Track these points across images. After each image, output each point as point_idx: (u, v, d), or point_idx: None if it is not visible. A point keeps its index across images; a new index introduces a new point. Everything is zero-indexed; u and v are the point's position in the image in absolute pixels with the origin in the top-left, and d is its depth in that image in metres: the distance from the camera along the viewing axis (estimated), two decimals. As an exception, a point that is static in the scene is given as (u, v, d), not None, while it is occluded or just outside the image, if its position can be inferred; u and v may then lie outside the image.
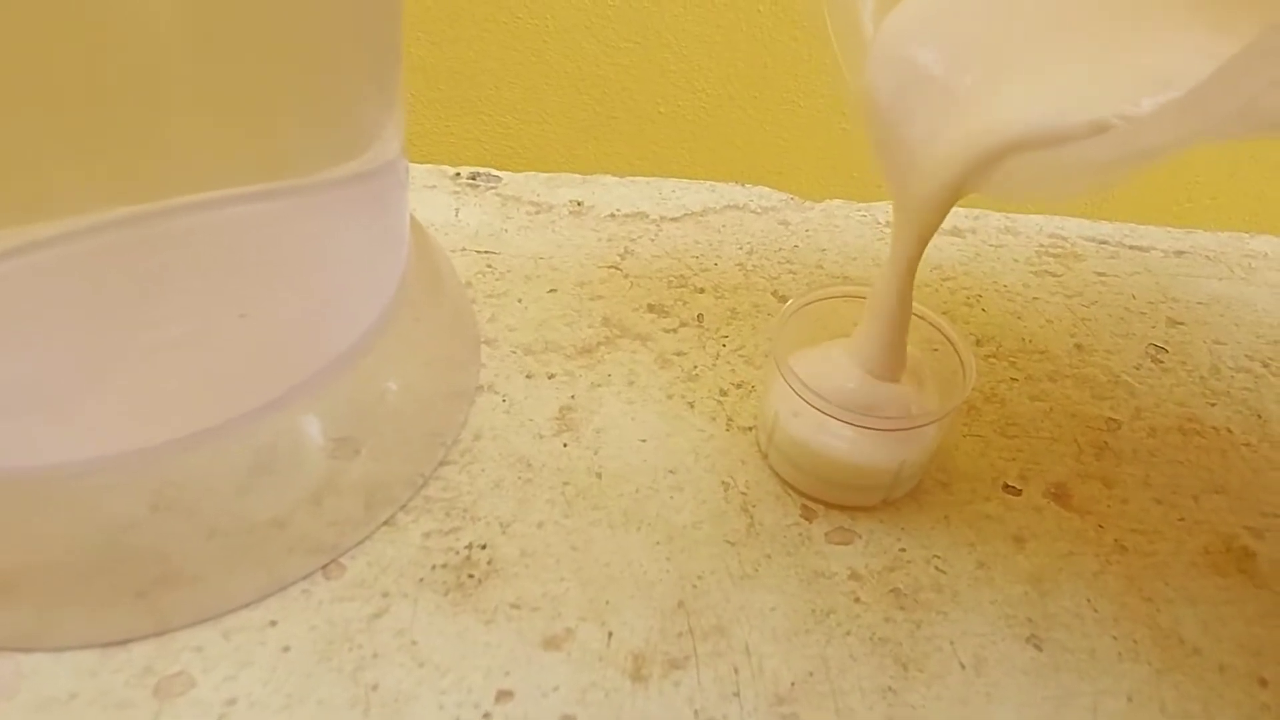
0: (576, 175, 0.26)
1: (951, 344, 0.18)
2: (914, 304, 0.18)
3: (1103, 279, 0.24)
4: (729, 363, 0.20)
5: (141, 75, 0.12)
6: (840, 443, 0.16)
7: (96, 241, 0.13)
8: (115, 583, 0.15)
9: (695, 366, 0.20)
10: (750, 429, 0.19)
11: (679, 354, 0.20)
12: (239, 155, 0.14)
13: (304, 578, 0.16)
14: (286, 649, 0.15)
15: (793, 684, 0.15)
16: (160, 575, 0.15)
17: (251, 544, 0.16)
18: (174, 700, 0.14)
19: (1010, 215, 0.26)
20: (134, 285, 0.14)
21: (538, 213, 0.24)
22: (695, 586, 0.16)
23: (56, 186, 0.13)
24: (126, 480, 0.15)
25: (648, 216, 0.25)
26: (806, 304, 0.18)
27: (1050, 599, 0.16)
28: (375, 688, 0.14)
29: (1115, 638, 0.16)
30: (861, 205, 0.26)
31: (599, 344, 0.21)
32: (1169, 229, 0.26)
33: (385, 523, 0.16)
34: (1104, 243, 0.26)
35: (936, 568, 0.17)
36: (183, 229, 0.14)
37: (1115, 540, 0.17)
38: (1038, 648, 0.16)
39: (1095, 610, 0.16)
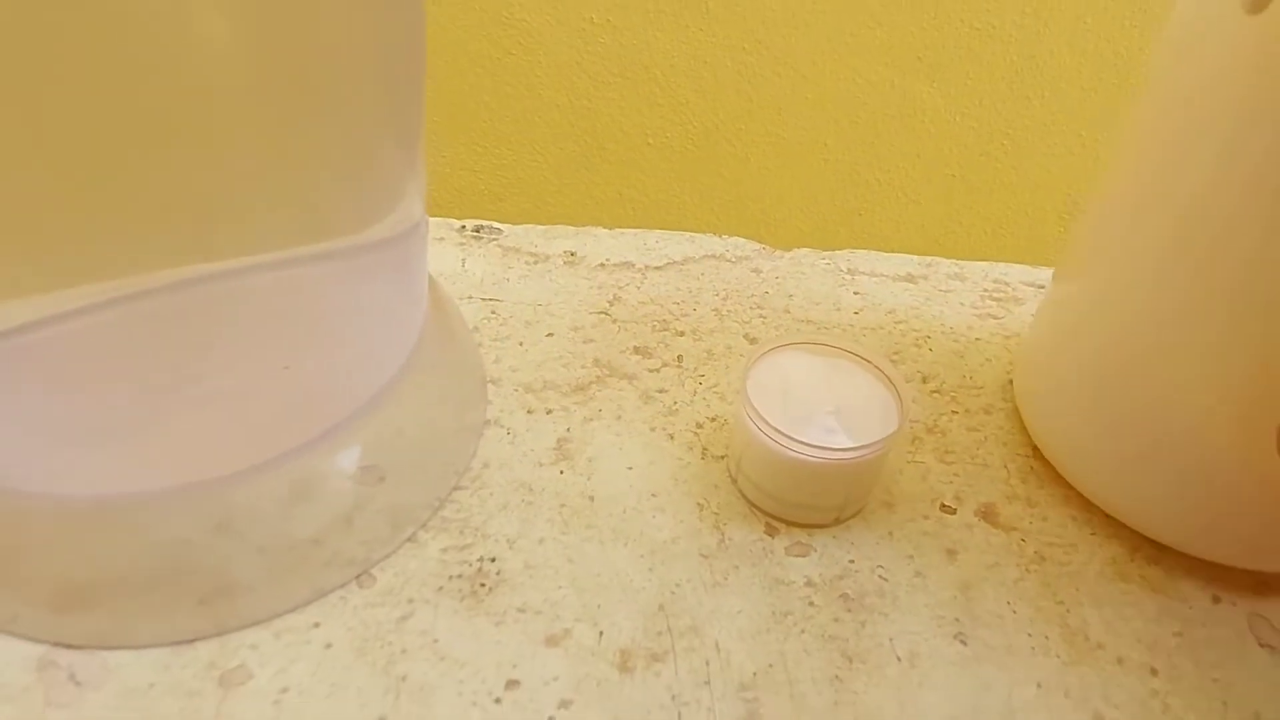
0: (570, 227, 0.29)
1: (891, 384, 0.20)
2: (861, 348, 0.21)
3: None
4: (705, 399, 0.23)
5: (198, 150, 0.14)
6: (798, 470, 0.19)
7: (156, 302, 0.16)
8: (179, 592, 0.18)
9: (675, 402, 0.23)
10: (722, 458, 0.22)
11: (661, 391, 0.23)
12: (282, 221, 0.16)
13: (340, 587, 0.18)
14: (328, 646, 0.17)
15: (755, 674, 0.17)
16: (217, 586, 0.18)
17: (294, 559, 0.19)
18: (235, 689, 0.17)
19: (959, 262, 0.29)
20: (189, 341, 0.16)
21: (535, 263, 0.27)
22: (673, 593, 0.19)
23: (119, 251, 0.15)
24: (187, 507, 0.18)
25: (634, 266, 0.28)
26: (771, 349, 0.21)
27: (976, 602, 0.19)
28: (404, 678, 0.17)
29: (1030, 635, 0.19)
30: (826, 253, 0.29)
31: (591, 382, 0.23)
32: None
33: (408, 540, 0.19)
34: (1041, 287, 0.29)
35: (880, 576, 0.19)
36: (233, 291, 0.16)
37: (1035, 551, 0.20)
38: (964, 643, 0.18)
39: (1014, 611, 0.19)
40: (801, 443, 0.19)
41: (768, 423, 0.19)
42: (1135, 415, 0.20)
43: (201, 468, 0.18)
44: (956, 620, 0.19)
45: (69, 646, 0.17)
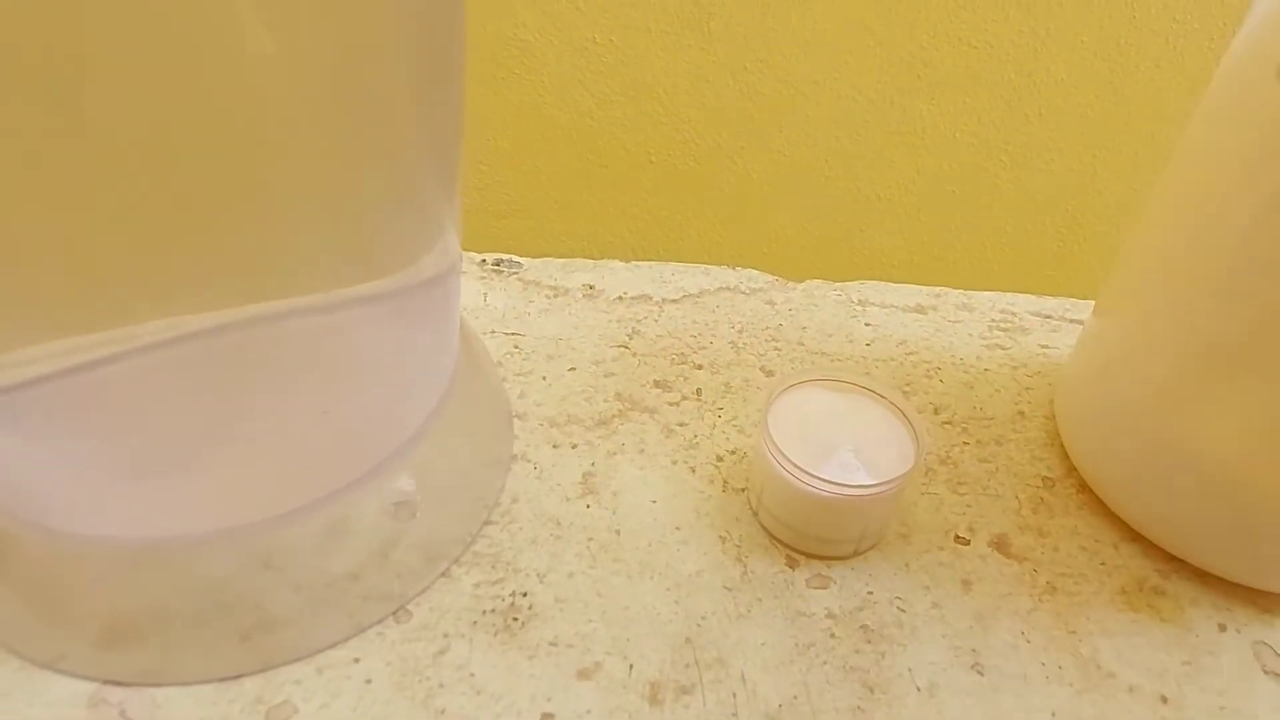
0: (588, 260, 0.29)
1: (907, 420, 0.21)
2: (877, 383, 0.22)
3: (1045, 350, 0.28)
4: (724, 432, 0.24)
5: (250, 190, 0.14)
6: (818, 504, 0.20)
7: (201, 345, 0.16)
8: (223, 629, 0.18)
9: (695, 436, 0.24)
10: (743, 490, 0.22)
11: (681, 424, 0.24)
12: (331, 261, 0.17)
13: (378, 622, 0.19)
14: (369, 681, 0.18)
15: (780, 705, 0.18)
16: (259, 622, 0.19)
17: (332, 595, 0.19)
18: None
19: (967, 293, 0.30)
20: (233, 385, 0.17)
21: (555, 296, 0.28)
22: (699, 625, 0.19)
23: (168, 292, 0.15)
24: (230, 547, 0.19)
25: (651, 299, 0.28)
26: (790, 386, 0.22)
27: (991, 633, 0.20)
28: (442, 712, 0.18)
29: (1044, 664, 0.19)
30: (837, 285, 0.30)
31: (613, 416, 0.24)
32: None
33: (442, 574, 0.20)
34: (1048, 317, 0.29)
35: (898, 608, 0.20)
36: (278, 335, 0.17)
37: (1047, 582, 0.21)
38: (980, 673, 0.19)
39: (1028, 641, 0.20)
40: (821, 479, 0.19)
41: (789, 459, 0.20)
42: (1171, 444, 0.20)
43: (244, 511, 0.18)
44: (973, 651, 0.19)
45: (118, 684, 0.18)
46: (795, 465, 0.20)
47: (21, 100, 0.12)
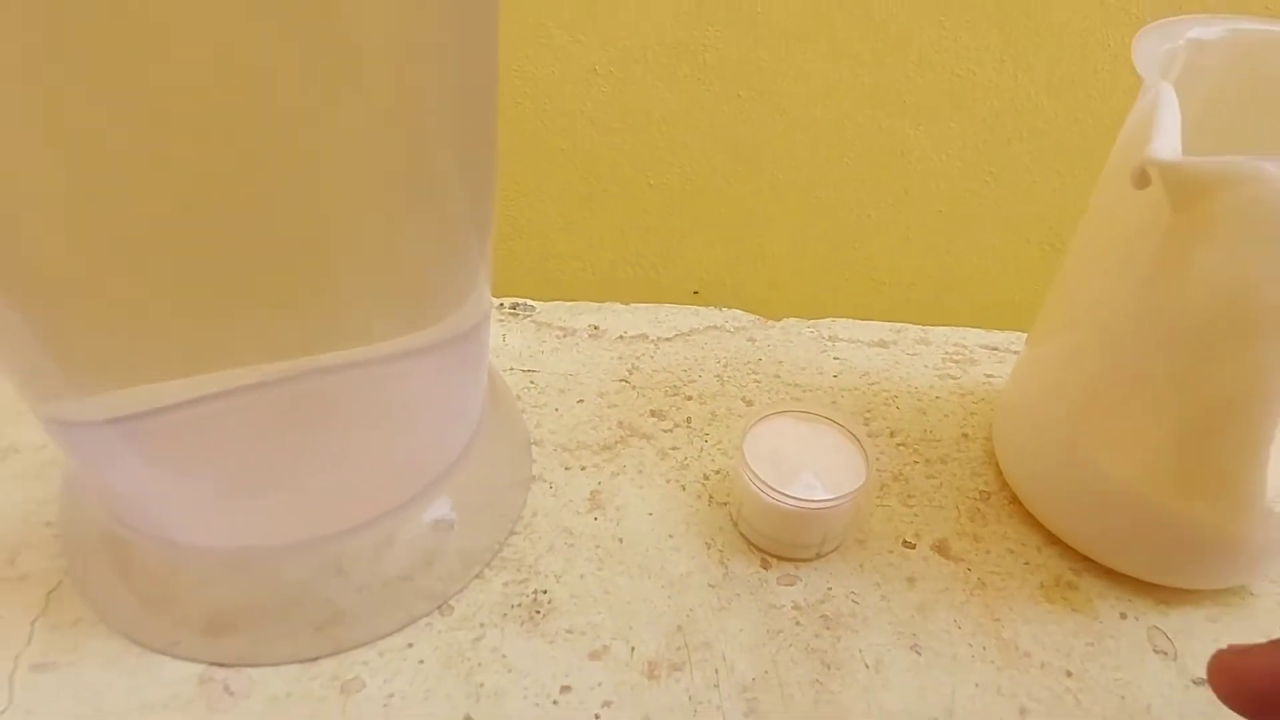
0: (593, 304, 0.34)
1: (860, 445, 0.25)
2: (836, 412, 0.26)
3: (989, 379, 0.32)
4: (710, 455, 0.28)
5: (315, 252, 0.17)
6: (786, 516, 0.24)
7: (274, 392, 0.20)
8: (302, 621, 0.23)
9: (686, 458, 0.28)
10: (724, 504, 0.27)
11: (674, 449, 0.28)
12: (383, 315, 0.20)
13: (426, 615, 0.23)
14: (421, 662, 0.22)
15: (754, 679, 0.22)
16: (330, 615, 0.23)
17: (388, 593, 0.23)
18: (354, 696, 0.21)
19: (925, 328, 0.34)
20: (300, 426, 0.21)
21: (565, 336, 0.32)
22: (689, 616, 0.24)
23: (243, 344, 0.19)
24: (306, 555, 0.23)
25: (648, 338, 0.33)
26: (763, 417, 0.26)
27: (930, 620, 0.24)
28: (481, 685, 0.22)
29: (971, 645, 0.24)
30: (810, 322, 0.34)
31: (616, 442, 0.28)
32: None
33: (476, 576, 0.24)
34: (995, 349, 0.34)
35: (853, 600, 0.24)
36: (336, 384, 0.21)
37: (979, 579, 0.25)
38: (918, 653, 0.23)
39: (959, 627, 0.24)
40: (788, 495, 0.24)
41: (761, 479, 0.24)
42: (1083, 463, 0.25)
43: (317, 526, 0.23)
44: (914, 635, 0.24)
45: (221, 665, 0.22)
46: (766, 484, 0.24)
47: (142, 191, 0.15)
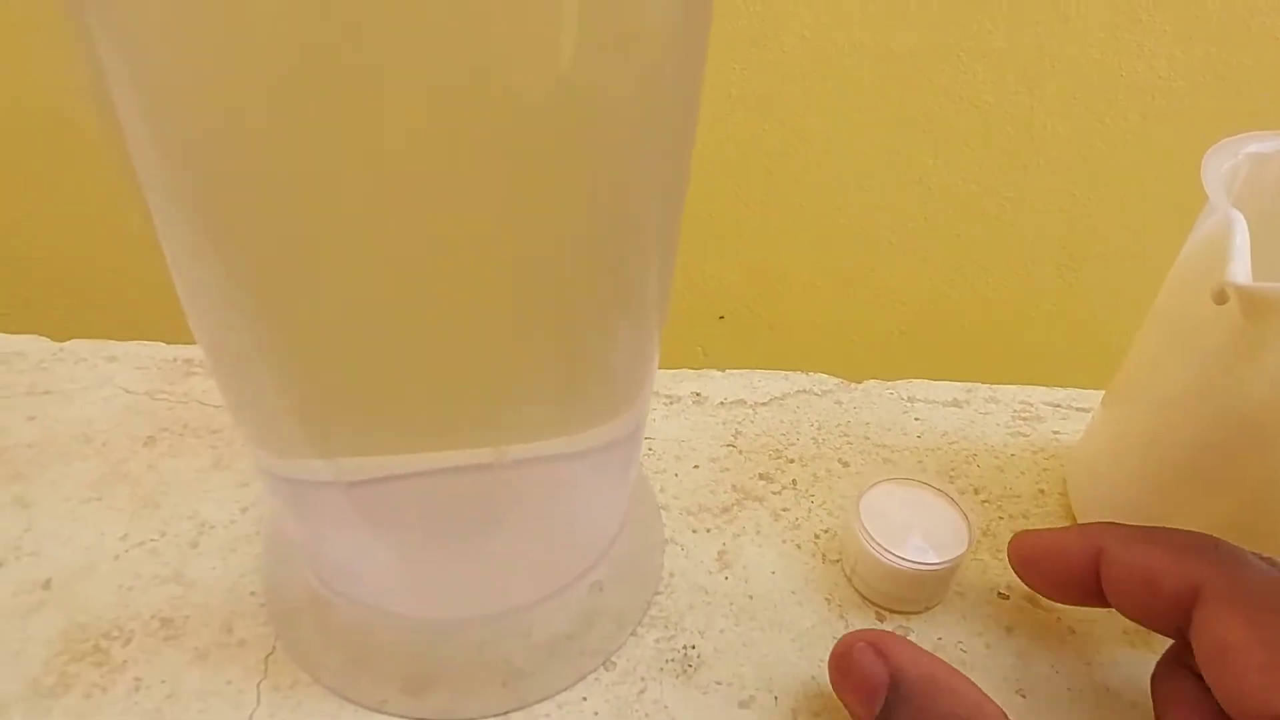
0: (691, 371, 0.37)
1: (960, 509, 0.29)
2: (935, 478, 0.29)
3: (1057, 436, 0.36)
4: (817, 515, 0.32)
5: (505, 345, 0.19)
6: (900, 576, 0.27)
7: (458, 479, 0.24)
8: (489, 678, 0.26)
9: (796, 519, 0.31)
10: (837, 561, 0.30)
11: (785, 510, 0.32)
12: (563, 412, 0.24)
13: (593, 671, 0.27)
14: (596, 714, 0.26)
15: (884, 723, 0.26)
16: (512, 673, 0.26)
17: (559, 652, 0.27)
18: None
19: (993, 387, 0.38)
20: (479, 514, 0.24)
21: (672, 403, 0.36)
22: (820, 665, 0.27)
23: (470, 429, 0.22)
24: (491, 623, 0.26)
25: (746, 403, 0.36)
26: (872, 485, 0.29)
27: (1030, 666, 0.27)
28: None
29: (1069, 689, 0.27)
30: (889, 384, 0.38)
31: (732, 505, 0.32)
32: (1101, 391, 0.38)
33: (631, 634, 0.28)
34: (1057, 406, 0.37)
35: (961, 649, 0.28)
36: (514, 479, 0.24)
37: (1069, 627, 0.29)
38: (1024, 697, 0.27)
39: (1056, 672, 0.27)
40: (904, 558, 0.27)
41: (879, 543, 0.27)
42: (1157, 520, 0.28)
43: (502, 601, 0.26)
44: (1018, 680, 0.27)
45: None
46: (884, 548, 0.27)
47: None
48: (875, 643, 0.23)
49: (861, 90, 0.86)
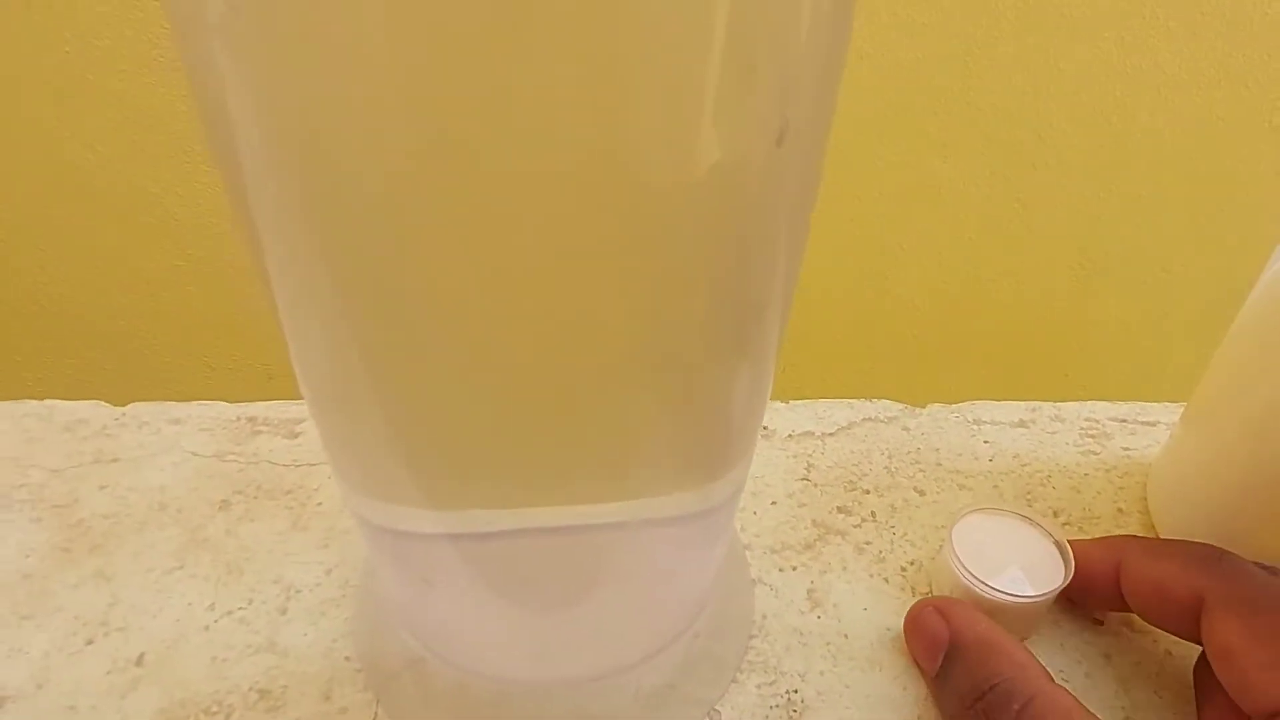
0: (755, 403, 0.37)
1: (1051, 535, 0.29)
2: (1021, 505, 0.29)
3: (1128, 453, 0.36)
4: (901, 547, 0.31)
5: (623, 417, 0.19)
6: (997, 608, 0.27)
7: (552, 540, 0.23)
8: None
9: (880, 552, 0.31)
10: (926, 593, 0.30)
11: (868, 543, 0.32)
12: (671, 473, 0.24)
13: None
14: None
15: (997, 760, 0.25)
16: None
17: (661, 701, 0.27)
18: None
19: (1057, 405, 0.38)
20: (576, 576, 0.24)
21: (740, 438, 0.35)
22: (925, 702, 0.27)
23: (550, 486, 0.22)
24: (593, 683, 0.26)
25: (814, 434, 0.36)
26: (961, 517, 0.29)
27: (1131, 691, 0.27)
28: None
29: (1175, 713, 0.27)
30: (954, 407, 0.37)
31: (815, 541, 0.32)
32: (1166, 405, 0.38)
33: (732, 681, 0.27)
34: (1124, 421, 0.37)
35: (1063, 679, 0.28)
36: (614, 541, 0.24)
37: (1165, 649, 0.28)
38: None
39: (1159, 696, 0.27)
40: (1001, 591, 0.27)
41: (976, 577, 0.27)
42: (1244, 537, 0.28)
43: (606, 662, 0.26)
44: (1122, 708, 0.27)
45: (534, 780, 0.25)
46: (980, 581, 0.27)
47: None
48: (940, 607, 0.27)
49: (870, 97, 0.86)
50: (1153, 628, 0.29)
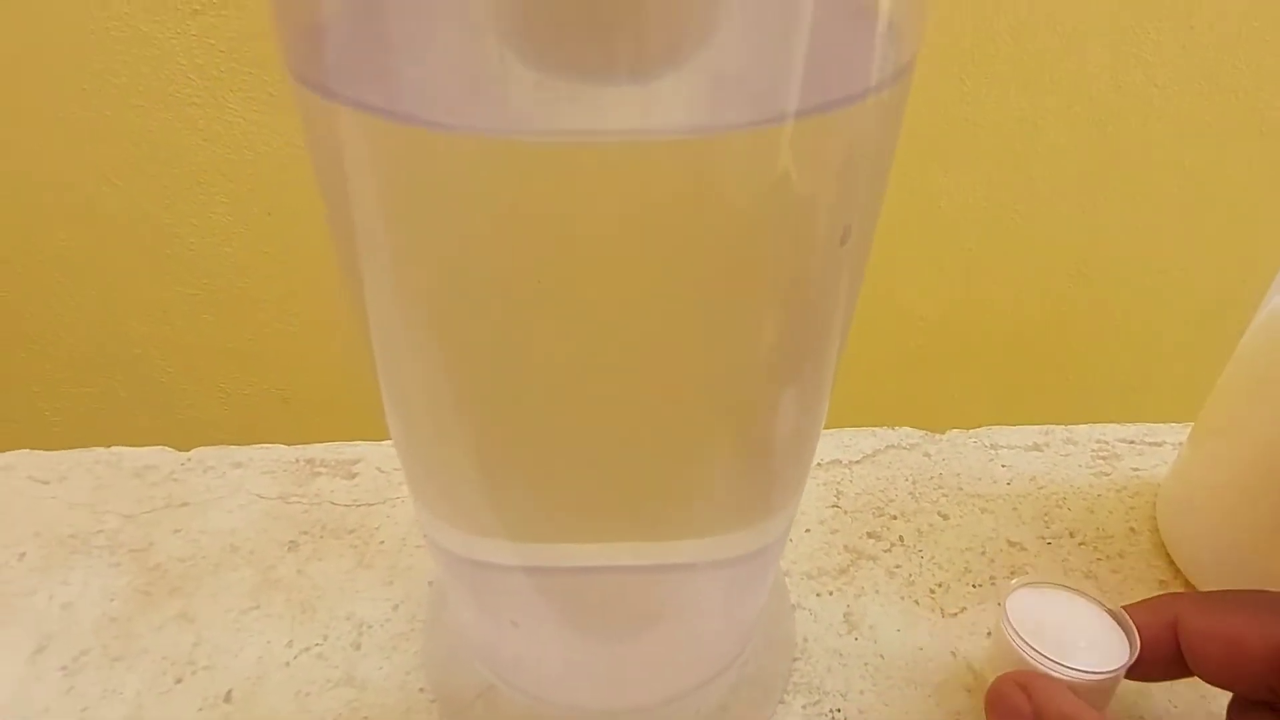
0: (784, 433, 0.39)
1: (1107, 610, 0.27)
2: (1070, 581, 0.29)
3: (1137, 473, 0.38)
4: (928, 569, 0.34)
5: (691, 463, 0.21)
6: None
7: (648, 575, 0.25)
8: None
9: (909, 575, 0.33)
10: (954, 615, 0.32)
11: (898, 567, 0.34)
12: (722, 522, 0.26)
13: None
14: None
15: (1028, 770, 0.28)
16: None
17: None
18: None
19: (1069, 428, 0.40)
20: (662, 605, 0.26)
21: (772, 468, 0.38)
22: (959, 716, 0.29)
23: (624, 525, 0.24)
24: (657, 709, 0.28)
25: (841, 462, 0.38)
26: (1014, 591, 0.28)
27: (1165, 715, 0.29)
28: None
29: None
30: (971, 433, 0.40)
31: (848, 566, 0.34)
32: (1173, 425, 0.40)
33: (779, 702, 0.29)
34: (1133, 443, 0.39)
35: None
36: (680, 579, 0.26)
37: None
38: None
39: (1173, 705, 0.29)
40: (1077, 669, 0.25)
41: (1045, 656, 0.26)
42: (1249, 552, 0.30)
43: (666, 690, 0.28)
44: None
45: (603, 800, 0.27)
46: (1054, 661, 0.25)
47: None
48: (1023, 683, 0.25)
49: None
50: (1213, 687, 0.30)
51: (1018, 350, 1.05)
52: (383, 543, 0.34)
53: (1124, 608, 0.27)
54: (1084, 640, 0.26)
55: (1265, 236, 0.97)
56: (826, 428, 0.38)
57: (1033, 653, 0.26)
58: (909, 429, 0.40)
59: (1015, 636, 0.26)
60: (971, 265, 1.01)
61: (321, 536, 0.34)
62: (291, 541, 0.34)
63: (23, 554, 0.33)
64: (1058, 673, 0.26)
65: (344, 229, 0.18)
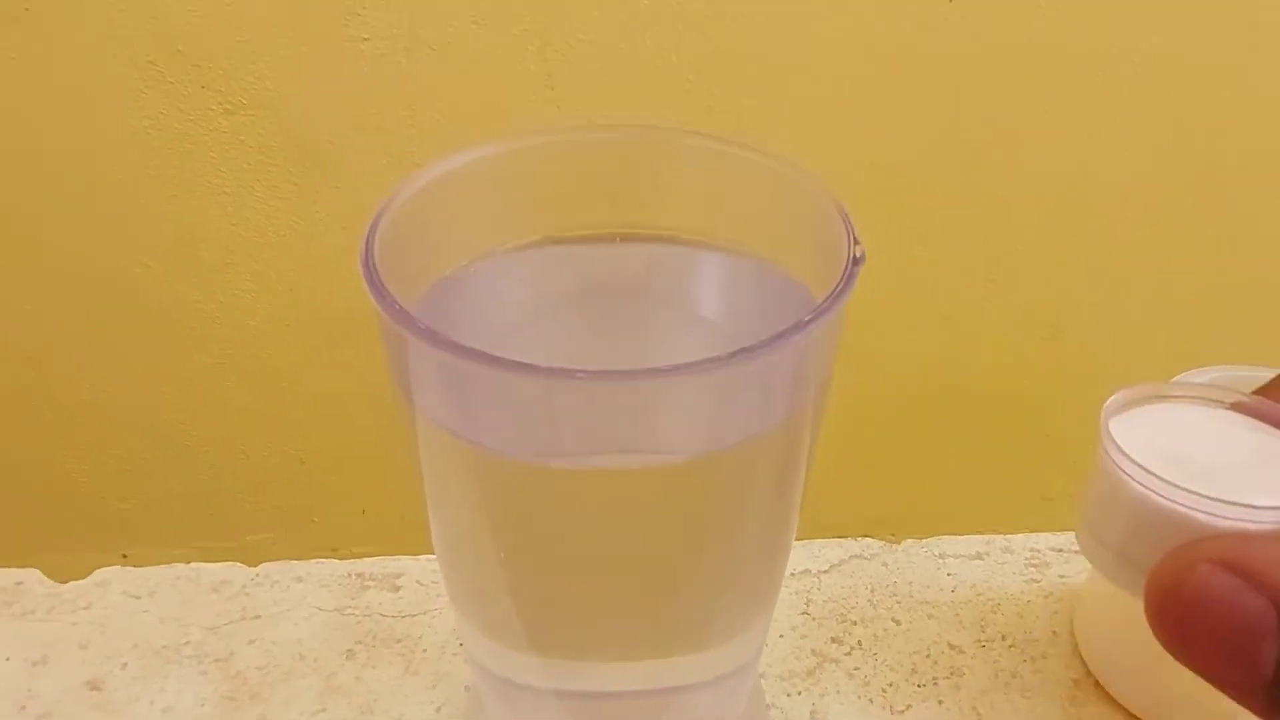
0: (763, 545, 0.46)
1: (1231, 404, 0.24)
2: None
3: (1063, 580, 0.44)
4: (881, 671, 0.40)
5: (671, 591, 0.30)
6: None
7: (616, 703, 0.32)
8: None
9: (866, 676, 0.40)
10: (903, 711, 0.39)
11: (856, 669, 0.40)
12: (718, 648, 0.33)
13: None
14: None
15: None
16: None
17: None
18: None
19: (1006, 537, 0.47)
20: None
21: (752, 578, 0.44)
22: None
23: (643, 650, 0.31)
24: None
25: (811, 572, 0.45)
26: (1111, 417, 0.20)
27: None
28: None
29: None
30: (922, 542, 0.46)
31: (815, 669, 0.40)
32: None
33: None
34: (1060, 550, 0.46)
35: None
36: (687, 696, 0.32)
37: None
38: None
39: None
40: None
41: (1222, 500, 0.16)
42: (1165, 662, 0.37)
43: None
44: None
45: None
46: (1245, 506, 0.16)
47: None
48: (1230, 560, 0.15)
49: (852, 199, 0.96)
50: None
51: (991, 411, 1.12)
52: (425, 650, 0.41)
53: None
54: (1249, 466, 0.16)
55: (1222, 294, 1.04)
56: (799, 539, 0.45)
57: (1200, 501, 0.16)
58: (870, 540, 0.46)
59: (1154, 481, 0.16)
60: (944, 324, 1.08)
61: (374, 646, 0.41)
62: (349, 650, 0.41)
63: (125, 664, 0.40)
64: (1257, 521, 0.16)
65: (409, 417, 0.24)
